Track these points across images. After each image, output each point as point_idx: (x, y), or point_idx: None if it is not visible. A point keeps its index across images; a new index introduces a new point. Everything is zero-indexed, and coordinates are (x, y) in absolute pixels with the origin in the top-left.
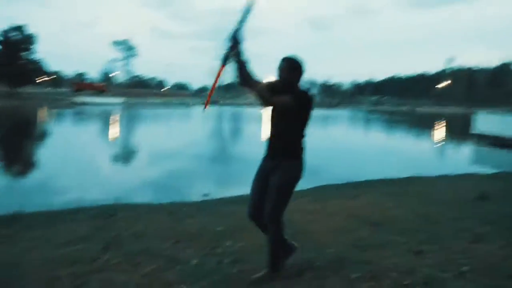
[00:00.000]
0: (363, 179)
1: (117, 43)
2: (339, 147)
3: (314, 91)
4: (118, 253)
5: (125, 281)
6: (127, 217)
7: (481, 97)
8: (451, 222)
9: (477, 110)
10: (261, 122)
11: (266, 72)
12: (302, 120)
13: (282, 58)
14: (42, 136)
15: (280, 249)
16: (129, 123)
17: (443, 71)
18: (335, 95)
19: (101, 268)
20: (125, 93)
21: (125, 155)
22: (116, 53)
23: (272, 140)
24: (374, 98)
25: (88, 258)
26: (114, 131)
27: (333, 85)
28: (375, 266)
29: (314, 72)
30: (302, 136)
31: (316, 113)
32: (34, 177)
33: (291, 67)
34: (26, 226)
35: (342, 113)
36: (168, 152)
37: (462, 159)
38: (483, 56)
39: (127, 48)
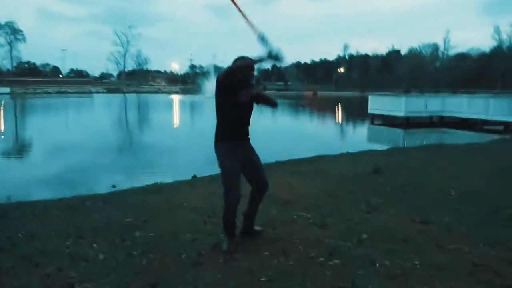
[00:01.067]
0: (273, 160)
1: None
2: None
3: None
4: (11, 256)
5: (21, 285)
6: (21, 216)
7: (374, 81)
8: (350, 196)
9: (372, 93)
10: (170, 109)
11: (169, 59)
12: None
13: (250, 58)
14: None
15: None
16: (19, 115)
17: (341, 57)
18: None
19: None
20: (12, 82)
21: (17, 149)
22: None
23: (243, 126)
24: (280, 83)
25: None
26: (2, 123)
27: None
28: (284, 242)
29: (221, 59)
30: None
31: None
32: None
33: None
34: None
35: None
36: (70, 144)
37: (359, 137)
38: (376, 43)
39: (11, 32)
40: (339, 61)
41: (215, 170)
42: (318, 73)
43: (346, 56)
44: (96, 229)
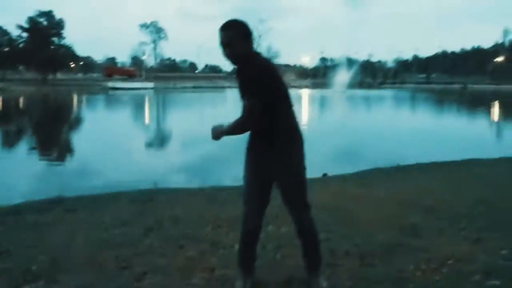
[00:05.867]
0: (413, 162)
1: (144, 26)
2: (385, 129)
3: (353, 70)
4: (160, 237)
5: (168, 264)
6: (166, 201)
7: None
8: None
9: None
10: (299, 104)
11: (299, 52)
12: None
13: (223, 26)
14: (80, 121)
15: None
16: (163, 108)
17: (499, 44)
18: (377, 74)
19: (144, 251)
20: (156, 77)
21: (160, 140)
22: (145, 37)
23: (259, 135)
24: (421, 76)
25: (131, 242)
26: (149, 116)
27: (375, 63)
28: (430, 254)
29: (353, 51)
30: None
31: (357, 94)
32: (73, 162)
33: (244, 34)
34: (68, 210)
35: (386, 93)
36: (206, 137)
37: None
38: None
39: (155, 31)
40: (497, 49)
41: (346, 170)
42: (469, 63)
43: (506, 43)
44: (231, 220)
